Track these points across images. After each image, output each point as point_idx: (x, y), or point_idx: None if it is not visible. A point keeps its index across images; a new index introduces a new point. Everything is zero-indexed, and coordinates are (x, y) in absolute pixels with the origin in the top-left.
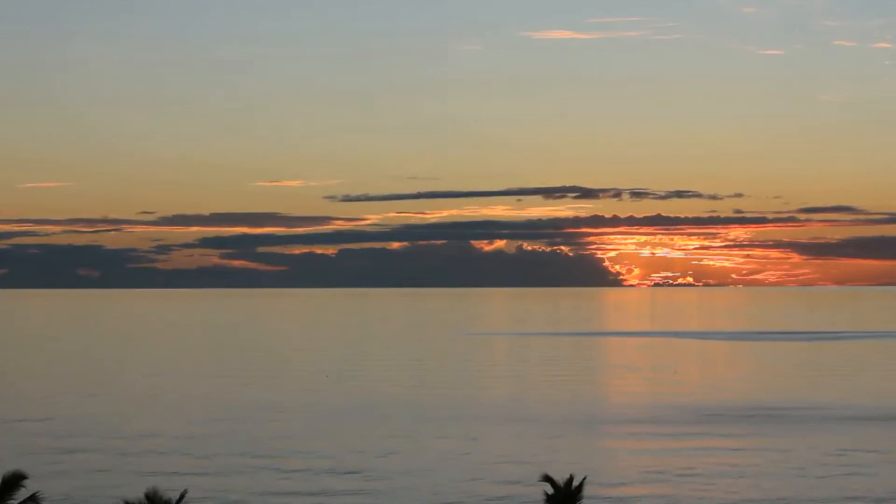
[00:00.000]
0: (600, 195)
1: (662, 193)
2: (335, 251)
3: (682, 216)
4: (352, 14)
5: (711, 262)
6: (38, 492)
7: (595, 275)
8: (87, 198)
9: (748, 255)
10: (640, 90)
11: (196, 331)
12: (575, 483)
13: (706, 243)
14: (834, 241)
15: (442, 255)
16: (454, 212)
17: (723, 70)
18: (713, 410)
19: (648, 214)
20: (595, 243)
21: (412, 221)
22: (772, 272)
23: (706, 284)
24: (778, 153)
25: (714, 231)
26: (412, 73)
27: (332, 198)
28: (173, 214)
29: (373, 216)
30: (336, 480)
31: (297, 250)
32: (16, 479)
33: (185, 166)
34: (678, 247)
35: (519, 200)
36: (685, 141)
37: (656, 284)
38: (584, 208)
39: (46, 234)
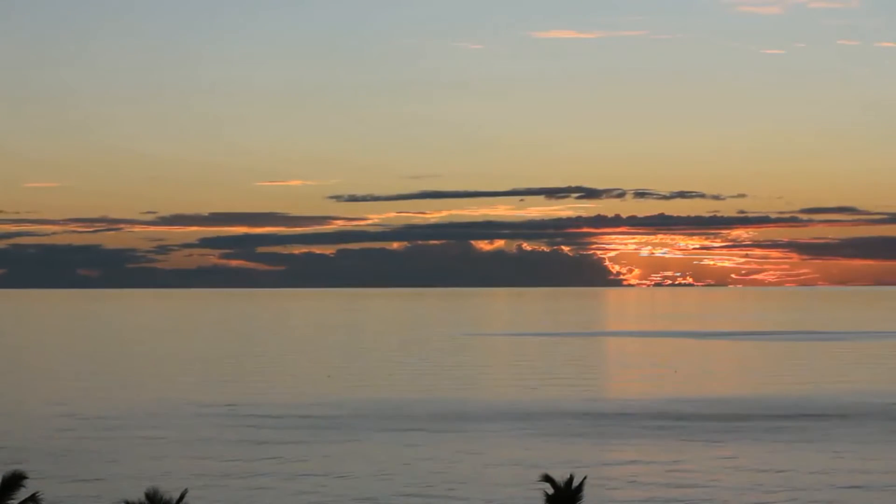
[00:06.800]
0: (604, 195)
1: (666, 194)
2: (335, 251)
3: (684, 216)
4: (351, 14)
5: (712, 262)
6: (38, 492)
7: (595, 275)
8: (87, 198)
9: (747, 255)
10: (643, 90)
11: (195, 331)
12: (575, 483)
13: (707, 243)
14: (834, 241)
15: (442, 255)
16: (454, 212)
17: (725, 70)
18: (714, 410)
19: (651, 214)
20: (596, 243)
21: (412, 221)
22: (772, 272)
23: (706, 284)
24: (781, 153)
25: (717, 231)
26: (413, 73)
27: (333, 198)
28: (173, 214)
29: (373, 216)
30: (335, 481)
31: (297, 250)
32: (16, 479)
33: (186, 166)
34: (678, 247)
35: (522, 200)
36: (688, 141)
37: (656, 284)
38: (587, 208)
39: (46, 234)
